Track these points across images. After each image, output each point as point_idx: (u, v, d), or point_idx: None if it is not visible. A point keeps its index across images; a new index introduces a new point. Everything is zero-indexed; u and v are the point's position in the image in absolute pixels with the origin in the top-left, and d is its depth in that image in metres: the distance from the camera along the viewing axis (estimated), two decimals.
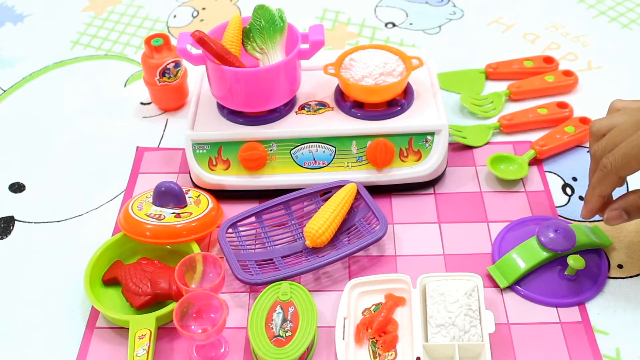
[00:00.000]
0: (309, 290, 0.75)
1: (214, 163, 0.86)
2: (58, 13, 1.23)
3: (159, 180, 0.83)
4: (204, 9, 1.22)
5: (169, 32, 1.17)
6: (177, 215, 0.80)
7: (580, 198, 0.86)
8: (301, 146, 0.85)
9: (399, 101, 0.86)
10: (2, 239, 0.87)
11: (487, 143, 0.94)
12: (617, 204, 0.73)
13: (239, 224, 0.83)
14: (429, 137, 0.85)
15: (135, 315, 0.74)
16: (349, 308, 0.73)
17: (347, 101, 0.87)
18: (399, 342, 0.71)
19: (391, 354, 0.71)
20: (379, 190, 0.87)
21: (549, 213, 0.84)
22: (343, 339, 0.70)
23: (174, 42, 1.04)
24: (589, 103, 0.98)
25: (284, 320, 0.71)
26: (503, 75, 1.03)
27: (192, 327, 0.71)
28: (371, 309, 0.74)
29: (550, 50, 1.08)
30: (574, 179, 0.89)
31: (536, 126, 0.95)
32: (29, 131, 1.01)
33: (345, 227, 0.83)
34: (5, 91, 1.08)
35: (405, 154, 0.85)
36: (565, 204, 0.86)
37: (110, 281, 0.79)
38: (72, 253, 0.84)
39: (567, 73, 1.01)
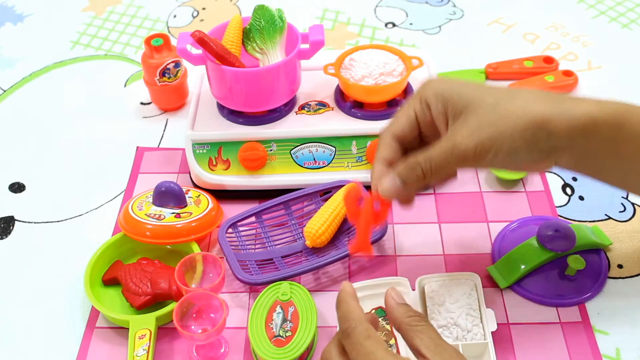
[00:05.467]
0: (309, 290, 0.75)
1: (214, 163, 0.86)
2: (58, 13, 1.23)
3: (159, 180, 0.83)
4: (204, 9, 1.21)
5: (169, 32, 1.17)
6: (177, 215, 0.80)
7: (581, 198, 0.86)
8: (301, 146, 0.85)
9: (399, 101, 0.86)
10: (2, 239, 0.87)
11: None
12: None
13: (239, 224, 0.83)
14: None
15: (135, 315, 0.74)
16: None
17: (347, 101, 0.87)
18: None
19: None
20: None
21: (549, 213, 0.84)
22: None
23: (174, 42, 1.04)
24: None
25: (284, 320, 0.71)
26: (503, 75, 1.03)
27: (192, 327, 0.71)
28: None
29: (550, 50, 1.08)
30: (574, 179, 0.88)
31: None
32: (29, 131, 1.01)
33: (345, 227, 0.83)
34: (5, 91, 1.08)
35: None
36: (565, 204, 0.86)
37: (110, 281, 0.79)
38: (72, 253, 0.84)
39: (567, 73, 1.01)
